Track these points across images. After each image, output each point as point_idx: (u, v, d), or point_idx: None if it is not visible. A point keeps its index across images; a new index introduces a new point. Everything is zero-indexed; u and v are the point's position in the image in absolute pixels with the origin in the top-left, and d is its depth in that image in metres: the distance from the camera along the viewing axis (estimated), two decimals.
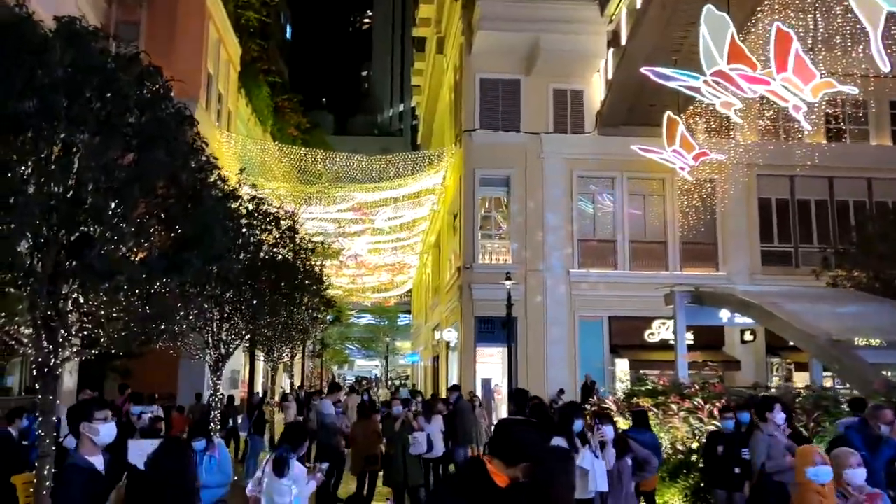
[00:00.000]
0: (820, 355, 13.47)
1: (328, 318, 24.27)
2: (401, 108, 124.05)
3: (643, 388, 15.04)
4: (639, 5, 22.64)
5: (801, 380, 25.02)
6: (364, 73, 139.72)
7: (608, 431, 7.08)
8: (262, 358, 19.78)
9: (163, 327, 6.69)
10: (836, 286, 20.11)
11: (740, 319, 18.09)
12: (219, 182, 7.51)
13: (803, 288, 20.06)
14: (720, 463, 9.21)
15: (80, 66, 5.78)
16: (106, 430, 4.68)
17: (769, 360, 25.17)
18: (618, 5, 24.41)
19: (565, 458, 3.33)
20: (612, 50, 25.07)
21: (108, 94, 5.97)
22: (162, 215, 6.37)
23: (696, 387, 13.17)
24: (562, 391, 22.47)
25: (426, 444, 9.81)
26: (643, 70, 20.18)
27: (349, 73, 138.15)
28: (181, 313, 7.43)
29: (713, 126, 24.36)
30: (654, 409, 12.89)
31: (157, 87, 6.28)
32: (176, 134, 6.41)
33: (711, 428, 11.06)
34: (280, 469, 5.88)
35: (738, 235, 25.65)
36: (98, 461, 4.63)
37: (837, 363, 12.17)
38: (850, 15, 18.42)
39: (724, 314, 18.07)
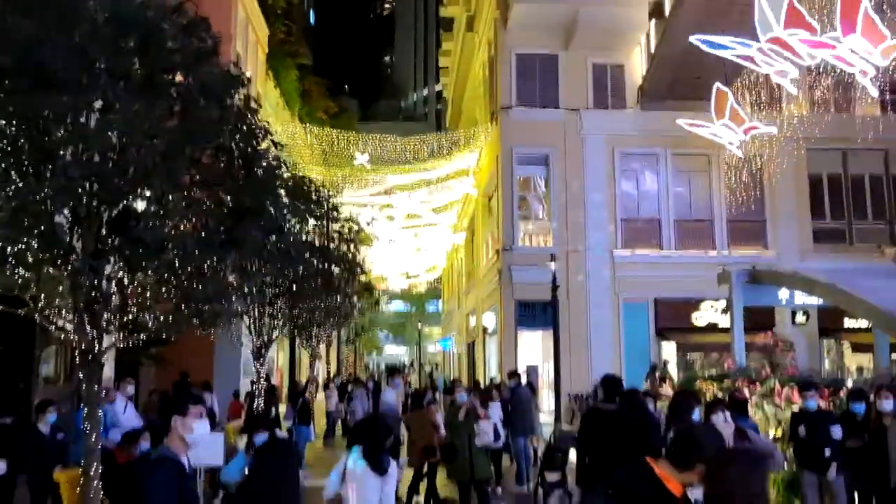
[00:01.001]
0: None
1: (368, 303, 23.71)
2: (425, 92, 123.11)
3: (707, 373, 14.27)
4: None
5: (854, 362, 24.07)
6: (387, 59, 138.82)
7: (727, 421, 6.23)
8: (301, 345, 19.22)
9: (219, 309, 6.00)
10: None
11: (801, 300, 17.22)
12: (272, 149, 6.79)
13: (867, 265, 19.09)
14: (806, 445, 8.47)
15: (120, 16, 5.10)
16: (200, 428, 4.12)
17: (822, 342, 24.18)
18: None
19: (756, 462, 2.66)
20: (653, 21, 24.08)
21: (151, 48, 5.29)
22: (213, 185, 5.69)
23: (768, 370, 12.36)
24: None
25: (493, 433, 9.14)
26: (693, 39, 19.20)
27: (372, 58, 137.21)
28: (239, 292, 6.72)
29: (762, 98, 23.29)
30: (722, 396, 12.12)
31: (205, 39, 5.59)
32: (225, 94, 5.71)
33: (789, 414, 10.27)
34: (380, 465, 5.28)
35: (788, 213, 24.60)
36: (184, 459, 4.07)
37: None
38: None
39: (784, 294, 17.19)
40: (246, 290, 7.10)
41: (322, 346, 20.77)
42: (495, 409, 10.92)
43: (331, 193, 18.84)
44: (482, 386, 15.26)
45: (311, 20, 75.50)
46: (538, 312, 23.47)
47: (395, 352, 79.35)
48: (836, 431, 8.06)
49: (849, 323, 23.32)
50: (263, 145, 6.40)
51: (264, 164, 6.44)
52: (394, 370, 16.10)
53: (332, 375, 26.84)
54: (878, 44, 14.65)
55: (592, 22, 24.04)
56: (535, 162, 24.85)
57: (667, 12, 23.16)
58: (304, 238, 12.93)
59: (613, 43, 24.79)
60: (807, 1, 16.99)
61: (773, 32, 16.93)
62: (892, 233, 21.39)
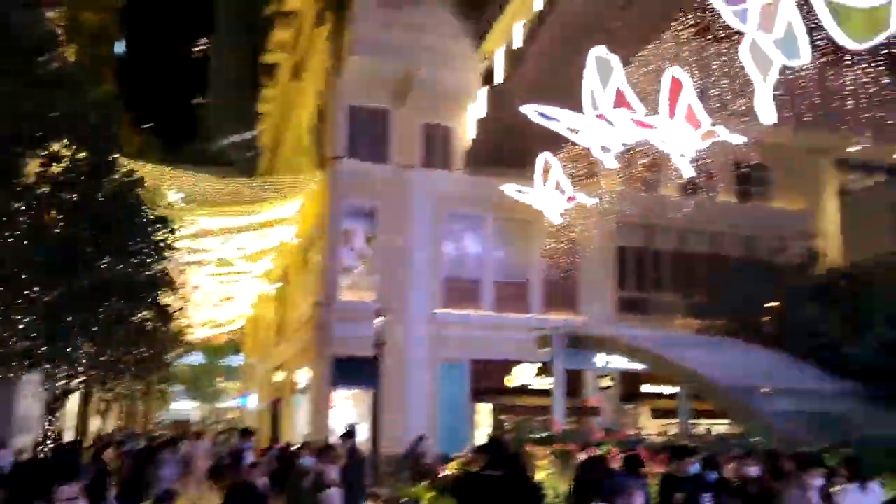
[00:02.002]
0: (723, 404, 13.23)
1: (177, 354, 21.77)
2: (239, 137, 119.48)
3: (534, 436, 14.20)
4: (517, 45, 22.52)
5: (654, 427, 25.38)
6: (198, 101, 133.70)
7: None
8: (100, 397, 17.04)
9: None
10: (704, 333, 20.53)
11: (616, 364, 17.89)
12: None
13: (683, 334, 20.33)
14: None
15: None
16: None
17: (624, 407, 25.36)
18: (494, 44, 24.22)
19: None
20: (485, 88, 24.80)
21: None
22: None
23: (600, 433, 12.49)
24: (422, 437, 21.26)
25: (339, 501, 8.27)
26: (524, 108, 19.81)
27: (181, 98, 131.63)
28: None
29: (581, 171, 24.51)
30: (553, 458, 12.06)
31: None
32: None
33: None
34: None
35: (598, 281, 25.88)
36: None
37: (742, 412, 11.91)
38: (727, 69, 19.09)
39: (601, 359, 17.80)
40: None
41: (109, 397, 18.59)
42: (333, 475, 10.04)
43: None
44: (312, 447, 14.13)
45: (123, 49, 71.06)
46: (355, 370, 22.70)
47: (185, 407, 74.26)
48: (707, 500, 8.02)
49: (648, 388, 24.69)
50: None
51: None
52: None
53: (123, 433, 24.21)
54: (696, 129, 15.80)
55: (426, 82, 24.32)
56: (361, 215, 24.41)
57: (497, 80, 23.93)
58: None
59: (445, 105, 25.20)
60: (634, 82, 18.13)
61: (600, 109, 17.85)
62: (689, 305, 23.09)
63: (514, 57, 22.61)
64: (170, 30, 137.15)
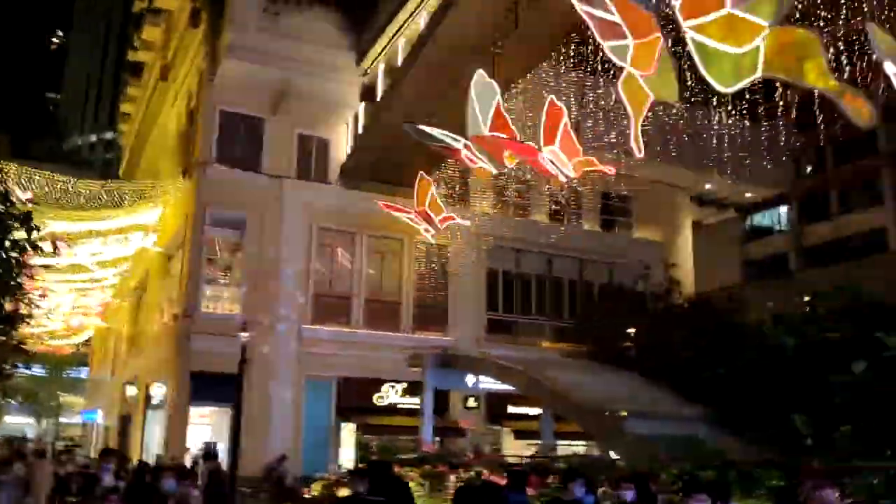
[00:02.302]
0: (589, 426, 13.52)
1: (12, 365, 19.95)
2: (97, 136, 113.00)
3: (404, 457, 13.99)
4: (399, 62, 22.46)
5: (516, 448, 25.77)
6: (53, 96, 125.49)
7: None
8: None
9: None
10: (568, 356, 21.05)
11: (486, 385, 18.01)
12: None
13: (551, 356, 20.73)
14: None
15: None
16: None
17: (491, 428, 25.57)
18: (375, 59, 24.07)
19: None
20: (364, 103, 24.57)
21: None
22: None
23: (470, 455, 12.44)
24: (283, 457, 20.59)
25: None
26: (405, 125, 19.76)
27: (34, 92, 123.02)
28: None
29: (456, 193, 24.73)
30: (423, 480, 11.89)
31: None
32: None
33: None
34: None
35: (468, 302, 26.08)
36: None
37: (607, 434, 12.20)
38: (602, 102, 19.83)
39: (471, 379, 17.86)
40: None
41: None
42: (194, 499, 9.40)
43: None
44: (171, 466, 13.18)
45: None
46: (215, 386, 21.68)
47: (19, 422, 68.73)
48: None
49: (512, 410, 25.05)
50: None
51: None
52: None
53: None
54: (572, 157, 16.24)
55: (303, 92, 23.83)
56: (229, 225, 23.47)
57: (378, 96, 23.76)
58: None
59: (323, 116, 24.78)
60: (513, 108, 18.47)
61: (481, 132, 18.05)
62: (555, 328, 23.69)
63: (395, 74, 22.54)
64: (23, 20, 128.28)
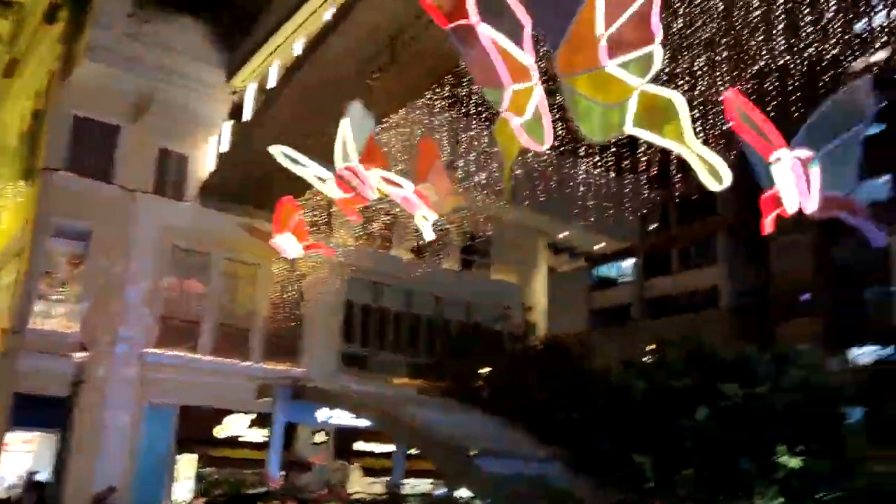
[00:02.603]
0: (445, 464, 13.42)
1: None
2: None
3: (250, 491, 13.34)
4: (271, 84, 21.99)
5: (363, 485, 25.32)
6: None
7: None
8: None
9: None
10: (423, 393, 20.98)
11: (338, 420, 17.54)
12: None
13: (407, 392, 20.56)
14: None
15: None
16: None
17: (344, 464, 24.96)
18: (247, 78, 23.44)
19: None
20: (231, 121, 23.80)
21: None
22: None
23: (321, 491, 12.02)
24: (112, 488, 19.14)
25: None
26: (273, 148, 19.26)
27: None
28: None
29: (320, 221, 24.32)
30: None
31: None
32: None
33: None
34: None
35: (323, 334, 25.55)
36: None
37: (462, 473, 12.16)
38: (475, 143, 20.20)
39: (324, 413, 17.35)
40: None
41: None
42: None
43: None
44: None
45: None
46: (41, 409, 19.95)
47: None
48: None
49: (361, 446, 24.63)
50: None
51: None
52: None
53: None
54: (443, 194, 16.36)
55: (168, 104, 22.81)
56: (73, 237, 21.83)
57: (245, 115, 23.13)
58: None
59: (186, 131, 23.75)
60: (386, 141, 18.46)
61: (352, 162, 17.87)
62: (411, 365, 23.64)
63: (266, 96, 22.03)
64: None
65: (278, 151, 19.51)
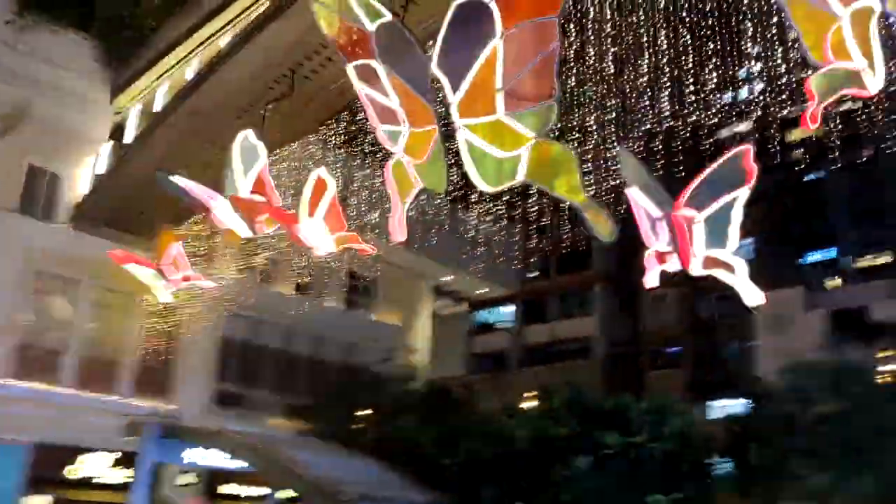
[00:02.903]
0: None
1: None
2: None
3: None
4: (158, 107, 21.20)
5: None
6: None
7: None
8: None
9: None
10: (301, 435, 20.35)
11: (211, 461, 16.75)
12: None
13: (287, 435, 19.85)
14: None
15: None
16: None
17: None
18: (133, 99, 22.48)
19: None
20: (112, 142, 22.73)
21: None
22: None
23: None
24: None
25: None
26: (157, 173, 18.50)
27: None
28: None
29: (200, 252, 23.42)
30: None
31: None
32: None
33: None
34: None
35: (197, 370, 24.47)
36: None
37: None
38: (367, 182, 20.12)
39: (195, 453, 16.52)
40: None
41: None
42: None
43: None
44: None
45: None
46: None
47: None
48: None
49: (231, 489, 23.57)
50: None
51: None
52: None
53: None
54: (335, 231, 16.11)
55: (43, 119, 21.56)
56: None
57: (128, 137, 22.16)
58: None
59: (61, 149, 22.47)
60: (276, 173, 18.05)
61: (239, 192, 17.38)
62: (288, 406, 22.92)
63: (152, 119, 21.18)
64: None
65: (162, 177, 18.81)
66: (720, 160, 8.92)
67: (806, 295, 38.84)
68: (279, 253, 25.25)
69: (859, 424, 13.82)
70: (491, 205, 22.25)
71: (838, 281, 44.73)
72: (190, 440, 15.48)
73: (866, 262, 48.88)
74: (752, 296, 9.05)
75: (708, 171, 9.08)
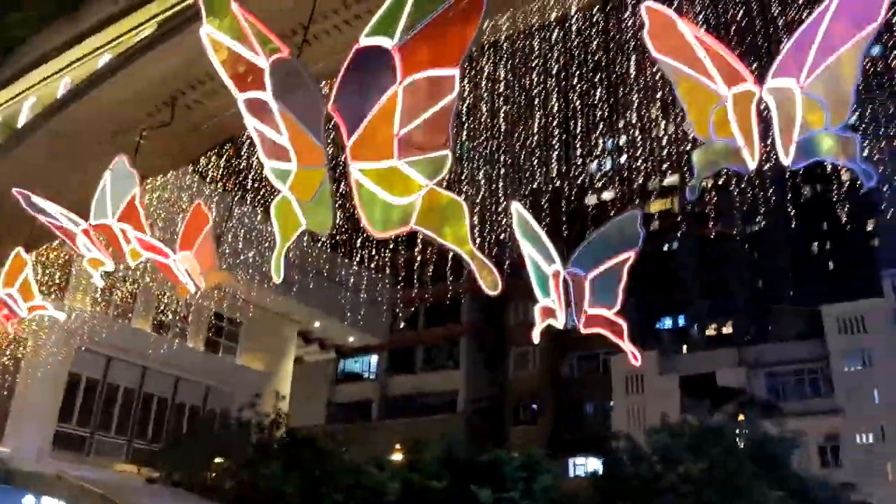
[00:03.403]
0: None
1: None
2: None
3: None
4: (22, 122, 19.78)
5: None
6: None
7: None
8: None
9: None
10: (153, 481, 19.00)
11: None
12: None
13: (135, 481, 18.42)
14: None
15: None
16: None
17: None
18: None
19: None
20: None
21: None
22: None
23: None
24: None
25: None
26: (14, 191, 17.15)
27: None
28: None
29: (53, 281, 21.80)
30: None
31: None
32: None
33: None
34: None
35: (38, 410, 22.48)
36: None
37: None
38: (247, 220, 19.46)
39: (28, 501, 15.03)
40: None
41: None
42: None
43: None
44: None
45: None
46: None
47: None
48: None
49: None
50: None
51: None
52: None
53: None
54: (206, 267, 15.39)
55: None
56: None
57: None
58: None
59: None
60: (148, 203, 17.12)
61: (106, 220, 16.38)
62: (140, 450, 21.43)
63: (14, 135, 19.70)
64: None
65: (22, 197, 17.46)
66: (610, 223, 9.21)
67: (660, 359, 40.73)
68: (140, 287, 23.98)
69: (720, 485, 14.37)
70: (365, 252, 22.07)
71: (686, 347, 47.34)
72: (23, 486, 14.04)
73: (712, 331, 52.18)
74: (634, 355, 9.32)
75: (597, 232, 9.36)
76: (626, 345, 9.31)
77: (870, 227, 48.82)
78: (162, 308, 25.77)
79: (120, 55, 16.78)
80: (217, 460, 19.79)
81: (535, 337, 10.12)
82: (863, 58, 7.05)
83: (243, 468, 18.90)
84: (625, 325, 9.10)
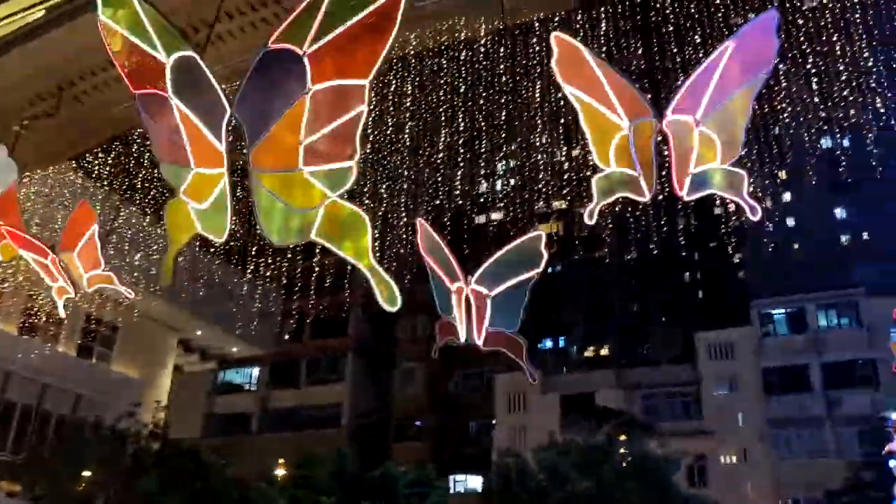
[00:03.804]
0: None
1: None
2: None
3: None
4: None
5: None
6: None
7: None
8: None
9: None
10: (12, 495, 17.72)
11: None
12: None
13: None
14: None
15: None
16: None
17: None
18: None
19: None
20: None
21: None
22: None
23: None
24: None
25: None
26: None
27: None
28: None
29: None
30: None
31: None
32: None
33: None
34: None
35: None
36: None
37: None
38: (134, 220, 18.61)
39: None
40: None
41: None
42: None
43: None
44: None
45: None
46: None
47: None
48: None
49: None
50: None
51: None
52: None
53: None
54: (89, 269, 14.61)
55: None
56: None
57: None
58: None
59: None
60: (30, 197, 16.15)
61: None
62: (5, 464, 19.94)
63: None
64: None
65: None
66: (515, 242, 9.33)
67: (541, 378, 41.64)
68: (4, 286, 22.50)
69: (607, 502, 14.75)
70: (253, 261, 21.57)
71: (566, 367, 48.61)
72: None
73: (591, 352, 53.82)
74: (531, 374, 9.46)
75: (502, 251, 9.45)
76: (525, 363, 9.44)
77: (736, 260, 51.61)
78: (27, 309, 24.22)
79: (3, 38, 15.75)
80: (86, 473, 18.66)
81: (435, 352, 10.12)
82: (753, 100, 7.49)
83: (117, 481, 17.88)
84: (524, 344, 9.23)
